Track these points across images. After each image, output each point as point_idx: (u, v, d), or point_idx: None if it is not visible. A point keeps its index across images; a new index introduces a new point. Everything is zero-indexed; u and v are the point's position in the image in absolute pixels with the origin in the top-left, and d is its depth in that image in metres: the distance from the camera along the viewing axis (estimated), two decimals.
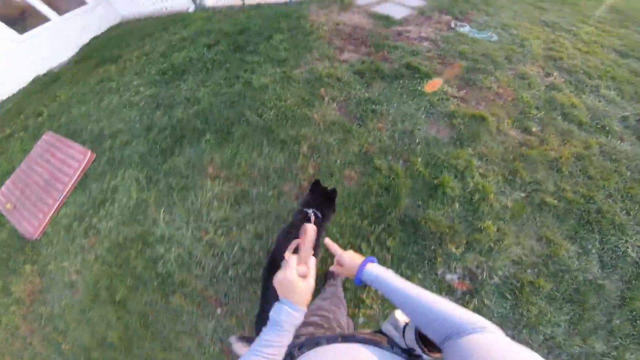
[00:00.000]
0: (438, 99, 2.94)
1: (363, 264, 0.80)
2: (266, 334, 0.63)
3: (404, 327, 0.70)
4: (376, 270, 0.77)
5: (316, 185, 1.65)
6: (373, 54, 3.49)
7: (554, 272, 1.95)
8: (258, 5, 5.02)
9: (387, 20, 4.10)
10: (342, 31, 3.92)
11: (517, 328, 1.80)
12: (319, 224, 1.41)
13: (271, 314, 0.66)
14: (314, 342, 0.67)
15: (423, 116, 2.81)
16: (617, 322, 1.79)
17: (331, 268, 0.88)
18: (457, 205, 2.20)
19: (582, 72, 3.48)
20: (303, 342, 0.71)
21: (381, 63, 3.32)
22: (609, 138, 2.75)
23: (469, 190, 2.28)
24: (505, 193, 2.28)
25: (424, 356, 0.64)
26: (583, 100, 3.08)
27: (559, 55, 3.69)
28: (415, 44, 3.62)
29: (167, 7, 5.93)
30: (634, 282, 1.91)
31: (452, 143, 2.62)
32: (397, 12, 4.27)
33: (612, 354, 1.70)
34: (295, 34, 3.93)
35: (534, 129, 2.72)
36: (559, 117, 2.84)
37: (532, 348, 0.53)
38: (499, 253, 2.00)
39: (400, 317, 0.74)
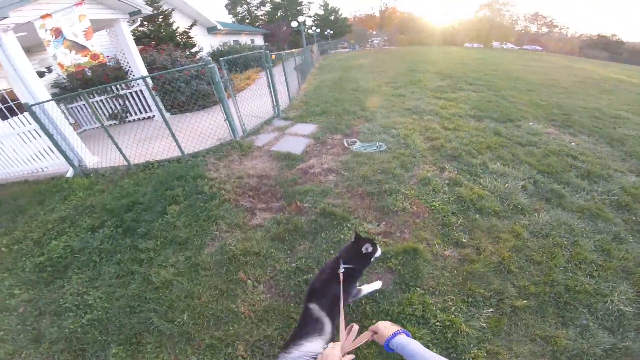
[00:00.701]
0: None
1: (396, 333, 0.90)
2: None
3: None
4: (406, 340, 0.87)
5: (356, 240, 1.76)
6: (286, 208, 3.35)
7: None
8: (147, 166, 4.60)
9: (289, 158, 4.20)
10: (248, 186, 3.79)
11: None
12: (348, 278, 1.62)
13: None
14: None
15: None
16: None
17: (363, 335, 0.98)
18: (435, 350, 1.91)
19: (465, 153, 4.00)
20: None
21: (297, 218, 3.18)
22: (527, 216, 2.93)
23: (438, 330, 2.04)
24: (475, 316, 2.10)
25: None
26: (483, 185, 3.37)
27: (439, 143, 4.24)
28: (322, 180, 3.68)
29: (42, 168, 5.11)
30: None
31: (398, 289, 2.41)
32: (296, 146, 4.47)
33: None
34: (194, 202, 3.58)
35: (463, 240, 2.74)
36: (477, 216, 2.94)
37: None
38: None
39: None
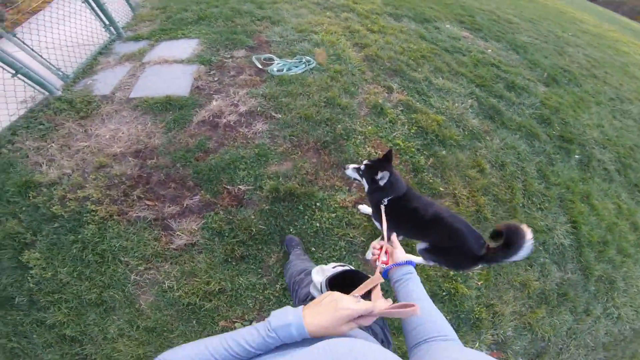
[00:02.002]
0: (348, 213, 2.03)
1: (409, 262, 0.78)
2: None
3: (321, 287, 0.72)
4: (416, 277, 0.76)
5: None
6: (215, 203, 2.03)
7: None
8: None
9: (174, 106, 2.45)
10: (126, 178, 2.08)
11: None
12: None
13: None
14: None
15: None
16: None
17: (374, 244, 0.85)
18: (449, 317, 1.82)
19: (404, 65, 3.31)
20: None
21: (241, 215, 1.98)
22: (483, 142, 2.78)
23: (447, 300, 1.91)
24: (469, 275, 2.03)
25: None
26: (436, 108, 2.95)
27: (372, 52, 3.38)
28: (249, 135, 2.34)
29: None
30: None
31: None
32: (176, 82, 2.63)
33: None
34: (56, 240, 1.86)
35: (441, 188, 2.35)
36: (443, 151, 2.58)
37: None
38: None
39: (317, 277, 0.75)
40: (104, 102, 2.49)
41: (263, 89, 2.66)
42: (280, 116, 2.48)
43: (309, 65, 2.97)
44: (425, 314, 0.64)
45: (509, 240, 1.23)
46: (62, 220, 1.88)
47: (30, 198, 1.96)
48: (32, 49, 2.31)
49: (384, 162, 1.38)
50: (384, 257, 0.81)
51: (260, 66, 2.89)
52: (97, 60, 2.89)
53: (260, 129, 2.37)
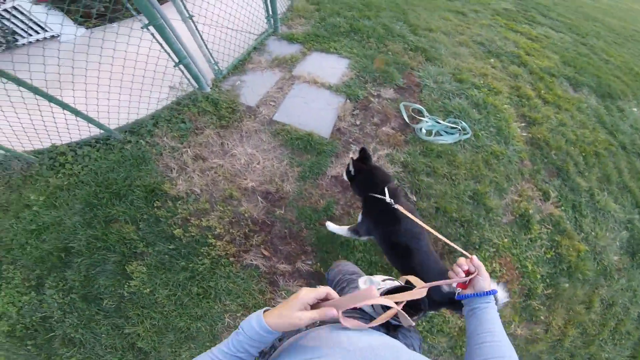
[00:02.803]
0: None
1: (492, 292, 0.70)
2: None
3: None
4: (493, 306, 0.69)
5: None
6: (323, 278, 1.88)
7: None
8: (53, 156, 2.22)
9: (311, 147, 2.24)
10: (249, 219, 2.00)
11: None
12: None
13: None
14: (294, 331, 0.64)
15: None
16: None
17: (461, 263, 0.73)
18: None
19: (571, 163, 2.65)
20: (284, 334, 0.68)
21: None
22: (607, 280, 2.25)
23: None
24: None
25: (404, 324, 0.63)
26: (585, 233, 2.36)
27: (540, 133, 2.75)
28: None
29: None
30: None
31: None
32: (320, 115, 2.41)
33: None
34: (165, 259, 1.89)
35: (541, 317, 2.03)
36: (566, 284, 2.15)
37: None
38: None
39: (363, 286, 0.72)
40: (247, 114, 2.38)
41: (405, 155, 2.31)
42: (415, 199, 2.14)
43: (463, 135, 2.50)
44: (495, 349, 0.60)
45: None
46: (179, 243, 1.88)
47: (154, 207, 1.97)
48: (202, 36, 2.22)
49: (359, 160, 1.46)
50: (460, 276, 0.73)
51: (406, 118, 2.51)
52: (251, 56, 2.79)
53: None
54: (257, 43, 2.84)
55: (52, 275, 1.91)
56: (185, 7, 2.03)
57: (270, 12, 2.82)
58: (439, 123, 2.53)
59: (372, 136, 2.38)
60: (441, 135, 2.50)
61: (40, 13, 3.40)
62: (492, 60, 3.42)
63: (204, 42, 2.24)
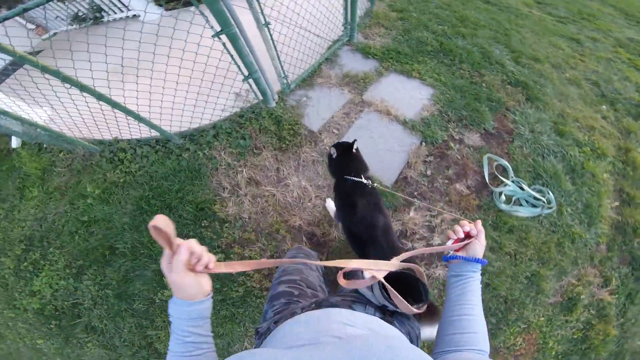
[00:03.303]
0: None
1: (483, 262, 0.68)
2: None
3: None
4: (478, 278, 0.68)
5: None
6: None
7: None
8: (112, 150, 2.25)
9: None
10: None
11: None
12: None
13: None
14: (289, 314, 0.66)
15: None
16: None
17: (463, 224, 0.71)
18: None
19: None
20: (280, 315, 0.70)
21: None
22: None
23: None
24: None
25: (402, 310, 0.62)
26: (623, 319, 2.00)
27: (634, 217, 2.22)
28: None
29: None
30: None
31: None
32: (387, 156, 2.12)
33: None
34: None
35: None
36: None
37: None
38: None
39: (367, 273, 0.68)
40: (308, 140, 2.17)
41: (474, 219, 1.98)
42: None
43: (547, 209, 2.07)
44: (472, 324, 0.60)
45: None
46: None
47: (201, 227, 1.92)
48: (275, 47, 1.97)
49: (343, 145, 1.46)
50: (458, 236, 0.71)
51: (487, 177, 2.13)
52: (321, 68, 2.51)
53: (439, 274, 1.81)
54: (330, 53, 2.53)
55: (92, 268, 1.98)
56: (262, 12, 1.78)
57: (349, 19, 2.47)
58: (523, 190, 2.12)
59: (442, 193, 2.05)
60: (521, 205, 2.11)
61: None
62: (604, 107, 2.79)
63: (277, 54, 1.99)
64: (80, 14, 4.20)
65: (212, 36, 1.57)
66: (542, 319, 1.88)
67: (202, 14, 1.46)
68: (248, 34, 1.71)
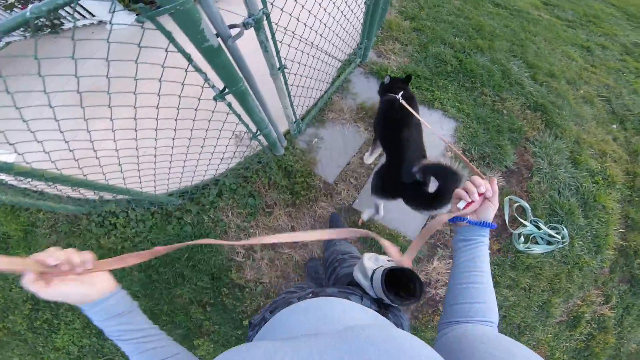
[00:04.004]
0: None
1: (494, 225, 0.63)
2: None
3: (372, 275, 0.66)
4: (487, 242, 0.64)
5: None
6: None
7: None
8: (102, 219, 1.93)
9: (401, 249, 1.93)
10: None
11: None
12: None
13: None
14: (285, 303, 0.63)
15: None
16: None
17: (478, 183, 0.63)
18: None
19: None
20: (275, 305, 0.66)
21: None
22: None
23: None
24: None
25: (394, 305, 0.63)
26: (625, 332, 2.18)
27: (633, 240, 2.33)
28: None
29: None
30: None
31: None
32: (405, 214, 1.95)
33: None
34: (231, 341, 1.83)
35: None
36: None
37: None
38: None
39: (368, 263, 0.69)
40: (322, 193, 2.00)
41: (492, 267, 1.99)
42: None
43: (561, 244, 2.11)
44: (481, 293, 0.58)
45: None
46: (246, 330, 1.75)
47: (221, 294, 1.79)
48: (289, 92, 1.66)
49: (400, 80, 1.72)
50: (465, 201, 0.65)
51: (507, 219, 2.11)
52: (332, 99, 2.26)
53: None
54: (341, 80, 2.27)
55: None
56: (278, 54, 1.48)
57: (366, 37, 2.19)
58: (540, 229, 2.13)
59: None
60: (537, 243, 2.14)
61: None
62: (614, 126, 2.78)
63: (291, 100, 1.74)
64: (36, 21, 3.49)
65: (215, 98, 1.23)
66: (550, 335, 2.03)
67: (200, 71, 1.03)
68: (256, 79, 1.40)
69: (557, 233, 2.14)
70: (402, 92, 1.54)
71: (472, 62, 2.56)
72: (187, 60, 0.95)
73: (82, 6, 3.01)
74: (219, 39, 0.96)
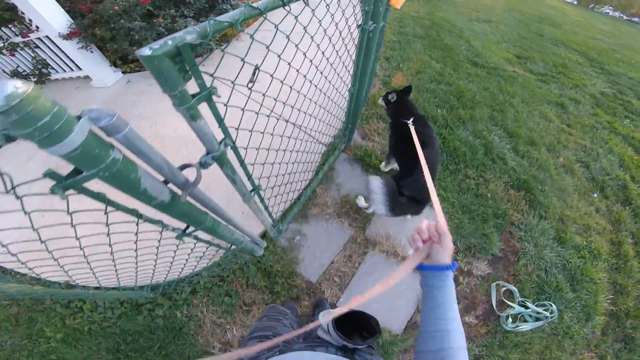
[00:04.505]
0: None
1: (450, 267, 0.65)
2: None
3: (327, 326, 0.69)
4: (449, 284, 0.65)
5: None
6: None
7: None
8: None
9: (387, 344, 1.85)
10: None
11: None
12: None
13: None
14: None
15: None
16: None
17: (421, 230, 0.69)
18: None
19: None
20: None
21: None
22: None
23: None
24: None
25: (359, 347, 0.65)
26: None
27: (624, 308, 2.32)
28: None
29: None
30: None
31: None
32: (392, 308, 1.92)
33: None
34: None
35: None
36: None
37: None
38: None
39: (322, 319, 0.69)
40: (305, 292, 1.93)
41: (480, 348, 1.95)
42: None
43: (550, 319, 2.10)
44: (445, 339, 0.59)
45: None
46: None
47: None
48: (267, 207, 1.59)
49: (400, 91, 1.98)
50: (416, 246, 0.68)
51: (494, 304, 2.09)
52: (315, 191, 2.19)
53: None
54: (326, 170, 2.22)
55: None
56: (250, 178, 1.38)
57: (350, 122, 2.15)
58: (527, 308, 2.12)
59: None
60: (525, 321, 2.12)
61: (71, 50, 2.72)
62: (595, 195, 2.83)
63: (269, 213, 1.66)
64: (20, 69, 3.35)
65: (178, 238, 1.13)
66: None
67: (154, 222, 0.88)
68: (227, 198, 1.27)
69: (545, 309, 2.14)
70: (412, 118, 1.67)
71: (455, 138, 2.57)
72: (136, 217, 0.83)
73: (71, 59, 2.92)
74: (172, 185, 0.83)
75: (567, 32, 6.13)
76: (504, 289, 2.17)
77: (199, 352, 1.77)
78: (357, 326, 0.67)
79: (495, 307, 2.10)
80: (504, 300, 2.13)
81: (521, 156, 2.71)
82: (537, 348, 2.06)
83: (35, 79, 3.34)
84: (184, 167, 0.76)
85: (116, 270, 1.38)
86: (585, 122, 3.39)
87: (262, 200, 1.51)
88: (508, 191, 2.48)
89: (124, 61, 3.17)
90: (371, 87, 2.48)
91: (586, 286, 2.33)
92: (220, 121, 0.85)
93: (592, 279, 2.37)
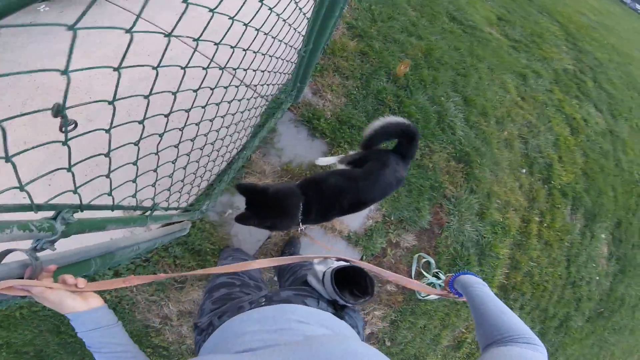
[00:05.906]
0: None
1: (458, 274, 0.84)
2: None
3: (322, 277, 0.69)
4: (473, 279, 0.78)
5: None
6: None
7: None
8: None
9: None
10: None
11: None
12: None
13: None
14: (235, 308, 0.64)
15: None
16: None
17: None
18: None
19: (520, 302, 2.94)
20: (224, 309, 0.66)
21: None
22: None
23: None
24: None
25: (349, 305, 0.66)
26: None
27: (513, 278, 2.79)
28: None
29: None
30: None
31: None
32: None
33: None
34: None
35: None
36: None
37: None
38: None
39: (318, 267, 0.73)
40: None
41: (396, 314, 2.27)
42: (389, 344, 2.25)
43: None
44: (494, 314, 0.61)
45: None
46: None
47: (147, 354, 1.75)
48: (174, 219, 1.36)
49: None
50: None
51: (413, 275, 2.33)
52: (251, 157, 1.93)
53: None
54: (267, 131, 1.93)
55: None
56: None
57: (299, 81, 1.81)
58: (439, 279, 2.42)
59: (374, 295, 2.19)
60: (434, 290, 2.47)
61: None
62: (524, 171, 3.05)
63: (184, 208, 1.43)
64: None
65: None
66: (439, 357, 2.48)
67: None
68: None
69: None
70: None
71: (412, 103, 2.39)
72: None
73: None
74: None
75: (557, 1, 5.71)
76: (424, 260, 2.39)
77: (140, 326, 1.74)
78: (348, 283, 0.65)
79: (413, 277, 2.33)
80: (422, 271, 2.37)
81: (470, 126, 2.69)
82: (440, 315, 2.41)
83: None
84: (6, 253, 0.50)
85: None
86: (539, 97, 3.41)
87: (167, 208, 1.26)
88: (449, 162, 2.51)
89: None
90: (333, 33, 2.05)
91: (490, 261, 2.65)
92: None
93: (496, 254, 2.68)
